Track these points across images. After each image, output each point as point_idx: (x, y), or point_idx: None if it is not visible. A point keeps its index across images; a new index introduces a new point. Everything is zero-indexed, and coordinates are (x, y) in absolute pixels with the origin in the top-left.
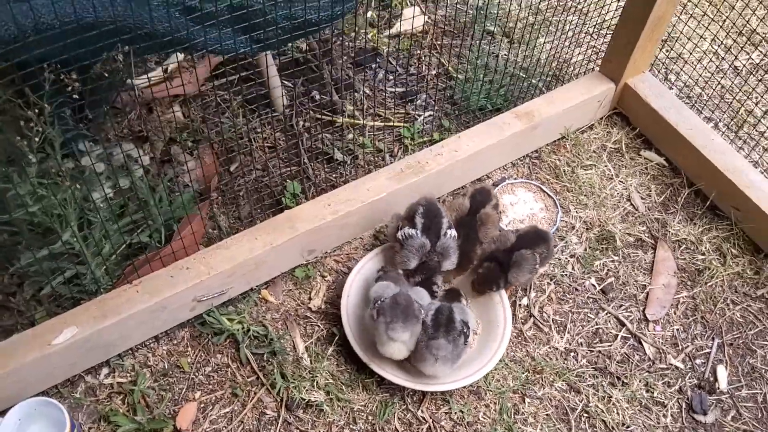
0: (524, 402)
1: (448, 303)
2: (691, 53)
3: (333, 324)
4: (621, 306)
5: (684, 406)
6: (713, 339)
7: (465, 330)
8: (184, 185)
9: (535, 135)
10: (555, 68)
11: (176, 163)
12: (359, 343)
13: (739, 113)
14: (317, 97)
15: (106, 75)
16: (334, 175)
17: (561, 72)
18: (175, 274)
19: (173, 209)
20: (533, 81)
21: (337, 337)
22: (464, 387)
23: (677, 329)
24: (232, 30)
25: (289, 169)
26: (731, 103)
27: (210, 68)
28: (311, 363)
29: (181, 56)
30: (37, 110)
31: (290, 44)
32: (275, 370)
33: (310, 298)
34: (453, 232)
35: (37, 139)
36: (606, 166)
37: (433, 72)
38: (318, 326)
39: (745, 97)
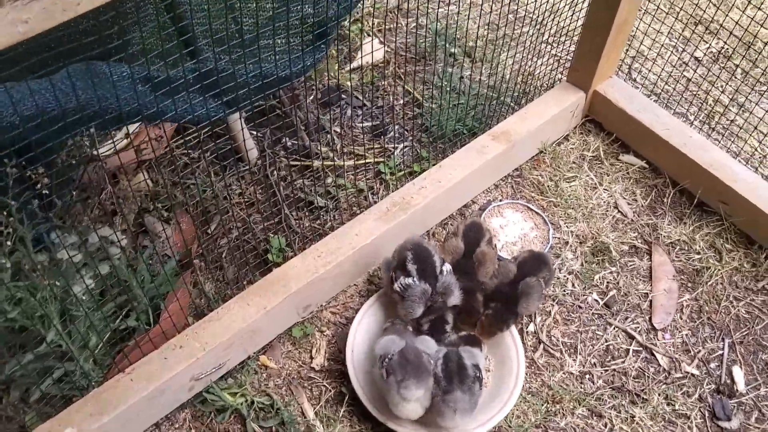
0: None
1: (454, 347)
2: (650, 49)
3: (340, 382)
4: (627, 318)
5: (707, 414)
6: (723, 339)
7: (478, 374)
8: (164, 256)
9: (514, 154)
10: (521, 83)
11: (153, 235)
12: (371, 400)
13: (707, 103)
14: (288, 143)
15: (72, 159)
16: (318, 222)
17: (528, 85)
18: (169, 355)
19: (157, 285)
20: (502, 99)
21: (347, 397)
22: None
23: (686, 334)
24: (202, 98)
25: (270, 223)
26: (697, 94)
27: (173, 128)
28: (324, 429)
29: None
30: (5, 212)
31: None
32: None
33: (311, 357)
34: (448, 267)
35: (9, 243)
36: (588, 175)
37: (401, 102)
38: (324, 386)
39: (711, 87)
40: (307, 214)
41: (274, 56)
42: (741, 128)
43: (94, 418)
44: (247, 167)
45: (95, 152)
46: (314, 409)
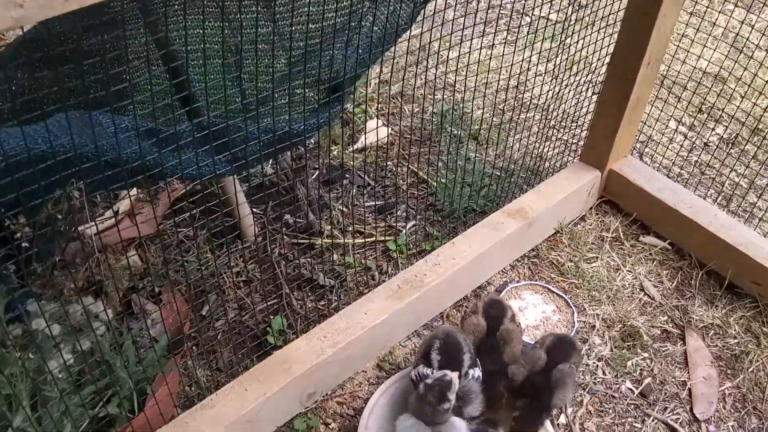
0: None
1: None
2: (662, 134)
3: None
4: (666, 408)
5: None
6: None
7: None
8: (151, 339)
9: (531, 232)
10: (530, 164)
11: (140, 315)
12: None
13: (724, 186)
14: (290, 220)
15: (58, 217)
16: (321, 303)
17: (537, 167)
18: None
19: (145, 366)
20: (512, 179)
21: None
22: None
23: (732, 426)
24: (207, 151)
25: (269, 303)
26: (714, 177)
27: (168, 204)
28: None
29: (133, 193)
30: None
31: (260, 166)
32: None
33: None
34: (477, 373)
35: None
36: (609, 256)
37: (408, 182)
38: None
39: (728, 169)
40: (309, 294)
41: (288, 110)
42: (765, 211)
43: None
44: (247, 244)
45: (77, 228)
46: None
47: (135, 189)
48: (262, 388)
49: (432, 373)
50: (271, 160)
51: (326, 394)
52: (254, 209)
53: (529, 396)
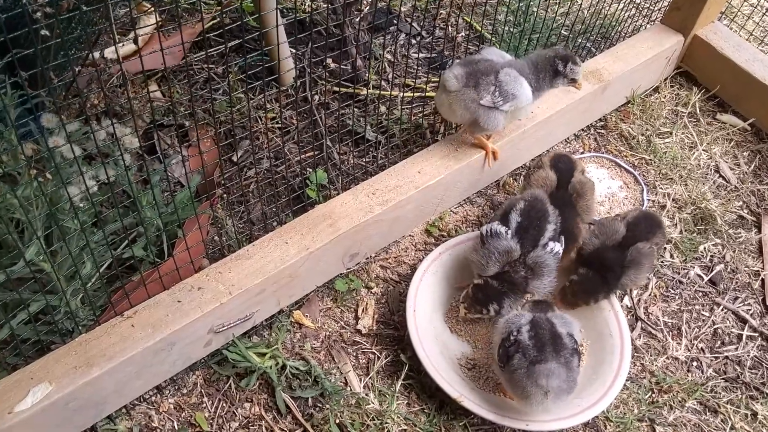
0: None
1: (542, 313)
2: (754, 6)
3: (393, 350)
4: (737, 298)
5: None
6: None
7: (575, 346)
8: (176, 181)
9: (604, 98)
10: (599, 26)
11: (165, 154)
12: (441, 371)
13: None
14: (332, 66)
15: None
16: (365, 159)
17: (607, 30)
18: (183, 298)
19: (177, 207)
20: (579, 41)
21: (405, 368)
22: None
23: None
24: None
25: (308, 156)
26: None
27: (195, 34)
28: (378, 405)
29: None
30: None
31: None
32: (330, 419)
33: (357, 318)
34: (557, 247)
35: None
36: (684, 132)
37: (462, 34)
38: (374, 354)
39: None
40: (352, 148)
41: None
42: None
43: (79, 373)
44: (282, 88)
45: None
46: (362, 380)
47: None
48: (304, 242)
49: (505, 233)
50: None
51: (370, 257)
52: (293, 50)
53: (596, 269)
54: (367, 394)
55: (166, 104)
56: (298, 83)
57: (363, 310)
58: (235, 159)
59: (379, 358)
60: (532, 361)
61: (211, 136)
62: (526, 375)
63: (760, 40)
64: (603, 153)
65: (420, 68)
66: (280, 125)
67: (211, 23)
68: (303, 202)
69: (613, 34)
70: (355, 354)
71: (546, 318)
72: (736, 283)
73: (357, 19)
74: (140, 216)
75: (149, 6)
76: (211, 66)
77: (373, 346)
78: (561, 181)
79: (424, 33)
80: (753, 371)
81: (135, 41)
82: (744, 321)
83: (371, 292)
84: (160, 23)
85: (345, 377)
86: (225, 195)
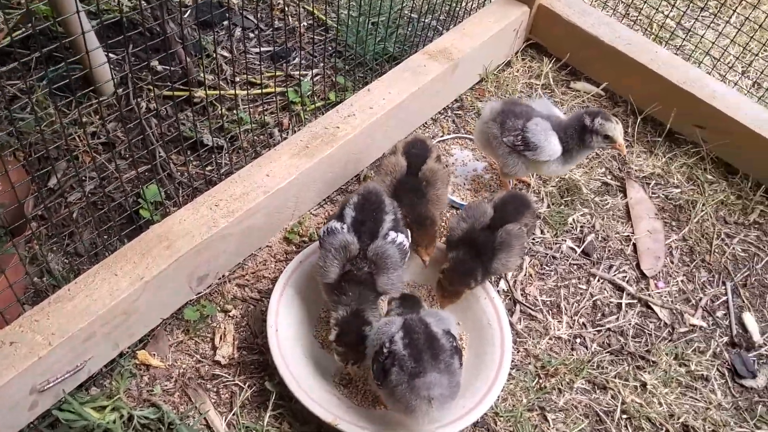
0: (546, 420)
1: (413, 312)
2: None
3: (259, 377)
4: (611, 267)
5: (727, 372)
6: (724, 283)
7: (454, 344)
8: None
9: (456, 78)
10: (443, 2)
11: None
12: (313, 394)
13: (650, 28)
14: (159, 68)
15: None
16: (209, 168)
17: (452, 7)
18: None
19: None
20: (426, 20)
21: (273, 396)
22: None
23: (682, 281)
24: None
25: (140, 171)
26: (637, 19)
27: None
28: None
29: None
30: None
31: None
32: None
33: (215, 348)
34: (400, 238)
35: None
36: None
37: (304, 24)
38: (237, 385)
39: (653, 11)
40: (190, 157)
41: None
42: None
43: None
44: (104, 98)
45: None
46: (226, 418)
47: None
48: (138, 271)
49: (339, 228)
50: None
51: (223, 276)
52: (111, 54)
53: (466, 253)
54: None
55: None
56: (121, 91)
57: (221, 338)
58: (52, 186)
59: (243, 389)
60: (411, 374)
61: (20, 163)
62: (408, 390)
63: (603, 4)
64: (464, 134)
65: (263, 63)
66: (103, 141)
67: (9, 36)
68: (137, 224)
69: (458, 10)
70: (215, 389)
71: (419, 319)
72: (609, 251)
73: (178, 15)
74: None
75: None
76: (15, 82)
77: (236, 376)
78: (412, 167)
79: (262, 25)
80: (636, 340)
81: None
82: (621, 289)
83: (229, 316)
84: None
85: (205, 418)
86: (42, 229)
